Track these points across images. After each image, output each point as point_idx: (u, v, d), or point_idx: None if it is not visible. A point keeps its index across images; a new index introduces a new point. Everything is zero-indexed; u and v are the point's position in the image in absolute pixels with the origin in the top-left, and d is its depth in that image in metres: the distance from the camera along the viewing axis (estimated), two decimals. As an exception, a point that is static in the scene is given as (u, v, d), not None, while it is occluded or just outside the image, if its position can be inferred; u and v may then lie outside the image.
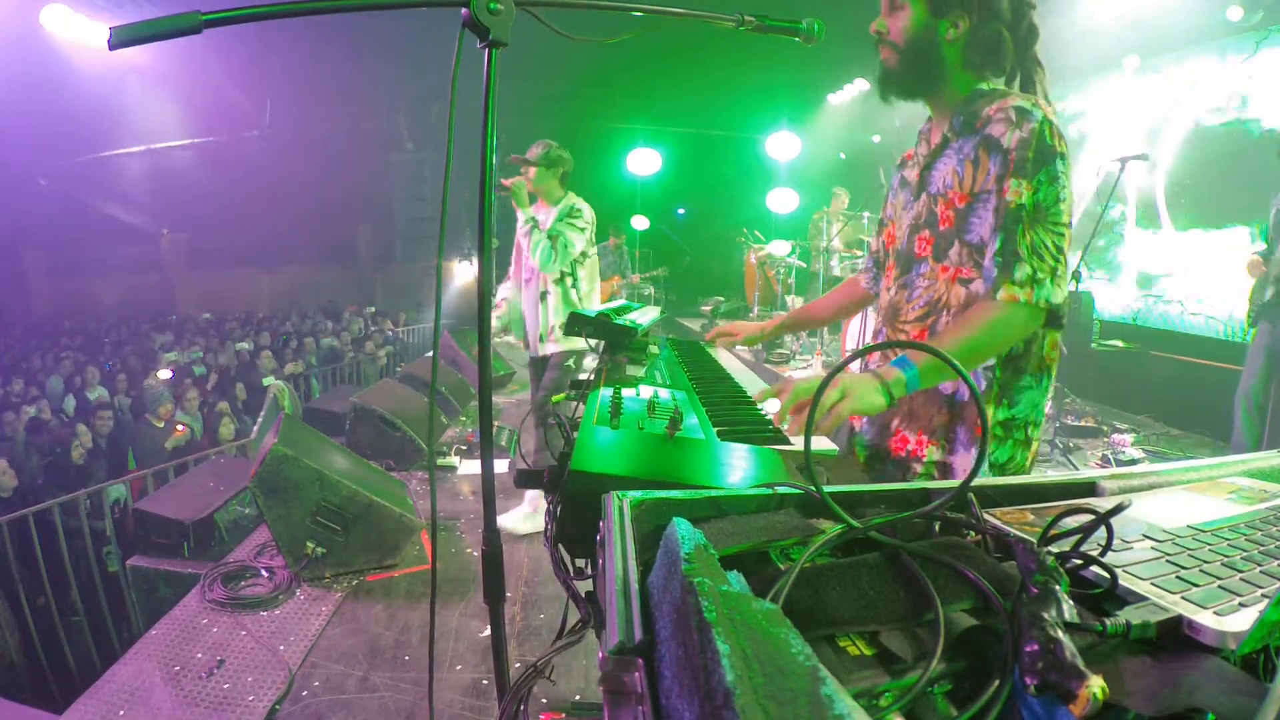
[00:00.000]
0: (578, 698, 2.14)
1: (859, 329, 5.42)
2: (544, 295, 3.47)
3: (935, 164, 1.35)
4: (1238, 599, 0.46)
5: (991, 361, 1.29)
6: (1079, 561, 0.51)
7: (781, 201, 10.35)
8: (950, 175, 1.30)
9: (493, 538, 1.04)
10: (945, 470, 1.33)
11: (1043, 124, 1.18)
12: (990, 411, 1.29)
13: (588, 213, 3.42)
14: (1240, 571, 0.51)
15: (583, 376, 1.63)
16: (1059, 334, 1.31)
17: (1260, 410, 3.72)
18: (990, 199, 1.23)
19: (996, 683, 0.40)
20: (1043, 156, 1.17)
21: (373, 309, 12.30)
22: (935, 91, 1.34)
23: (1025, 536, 0.50)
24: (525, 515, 3.45)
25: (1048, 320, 1.21)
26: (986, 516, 0.61)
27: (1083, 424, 4.84)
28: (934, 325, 1.34)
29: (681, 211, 12.57)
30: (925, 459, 1.34)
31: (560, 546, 0.89)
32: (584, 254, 3.44)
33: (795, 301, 7.42)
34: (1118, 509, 0.51)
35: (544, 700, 2.06)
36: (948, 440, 1.32)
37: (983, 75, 1.31)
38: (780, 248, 7.33)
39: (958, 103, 1.31)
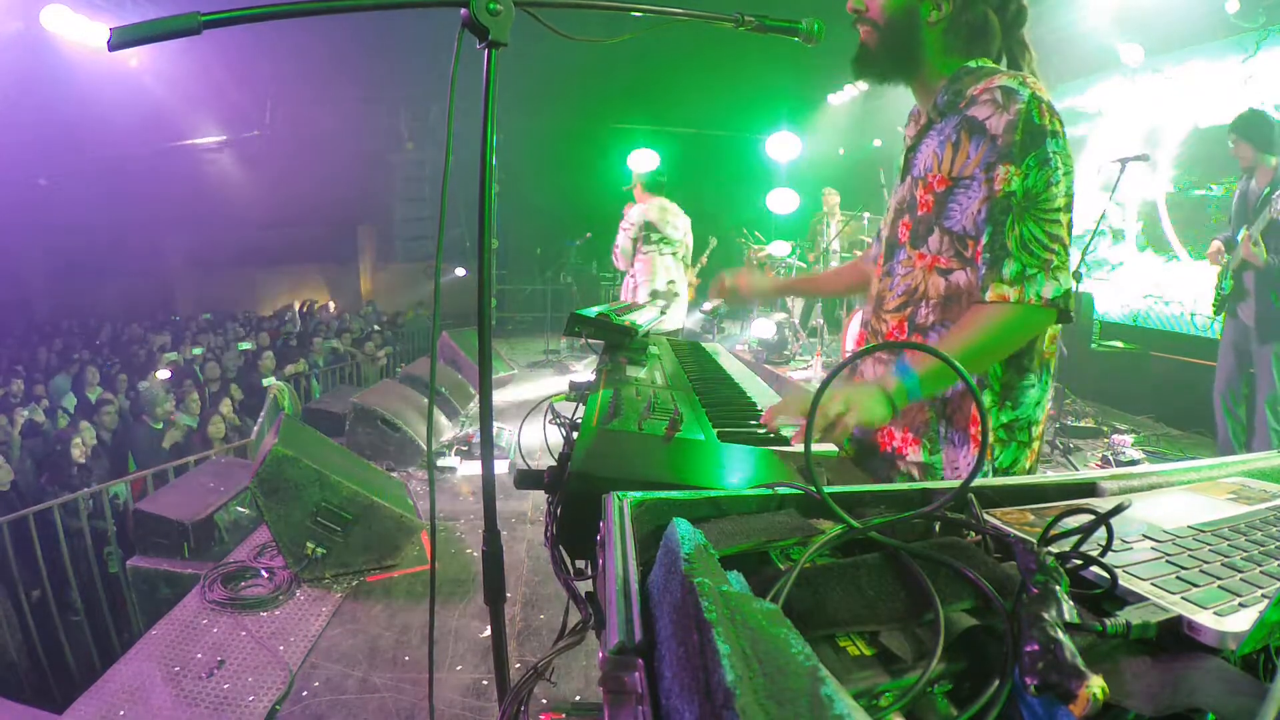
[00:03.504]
0: (578, 698, 2.14)
1: (859, 328, 5.42)
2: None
3: (920, 146, 1.30)
4: (1238, 599, 0.46)
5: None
6: (1079, 562, 0.51)
7: (781, 202, 10.33)
8: (931, 158, 1.24)
9: (493, 538, 1.04)
10: (926, 471, 1.27)
11: (1030, 102, 1.11)
12: (995, 415, 1.24)
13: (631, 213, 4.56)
14: (1240, 571, 0.51)
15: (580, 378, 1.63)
16: (1056, 328, 1.24)
17: (1239, 407, 3.73)
18: (972, 185, 1.16)
19: (996, 683, 0.40)
20: (1031, 138, 1.09)
21: (371, 309, 12.31)
22: (914, 74, 1.29)
23: (1025, 537, 0.50)
24: None
25: (1058, 316, 1.14)
26: (986, 517, 0.61)
27: (1083, 424, 4.84)
28: (912, 316, 1.29)
29: (681, 212, 12.57)
30: (908, 458, 1.29)
31: (560, 547, 0.89)
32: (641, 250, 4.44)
33: (795, 303, 7.42)
34: (1118, 509, 0.51)
35: (544, 700, 2.06)
36: (931, 440, 1.26)
37: (965, 58, 1.25)
38: (780, 248, 7.33)
39: (942, 82, 1.25)
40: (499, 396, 6.47)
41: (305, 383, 7.41)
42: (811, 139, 10.47)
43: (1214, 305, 3.70)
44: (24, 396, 6.71)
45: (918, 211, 1.27)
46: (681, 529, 0.49)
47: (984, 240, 1.15)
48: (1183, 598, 0.46)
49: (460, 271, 12.60)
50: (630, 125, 11.35)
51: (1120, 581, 0.48)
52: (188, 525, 3.18)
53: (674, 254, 4.48)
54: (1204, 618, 0.44)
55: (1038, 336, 1.23)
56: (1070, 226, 1.15)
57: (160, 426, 5.67)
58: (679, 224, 4.49)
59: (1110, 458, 4.18)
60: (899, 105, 1.43)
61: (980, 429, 1.22)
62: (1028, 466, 1.28)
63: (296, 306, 11.75)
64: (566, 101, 10.90)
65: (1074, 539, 0.52)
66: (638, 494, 0.59)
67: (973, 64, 1.24)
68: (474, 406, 5.61)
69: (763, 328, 6.98)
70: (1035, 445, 1.28)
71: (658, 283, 4.38)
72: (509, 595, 2.38)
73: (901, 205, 1.33)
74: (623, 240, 4.52)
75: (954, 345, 1.13)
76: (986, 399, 1.23)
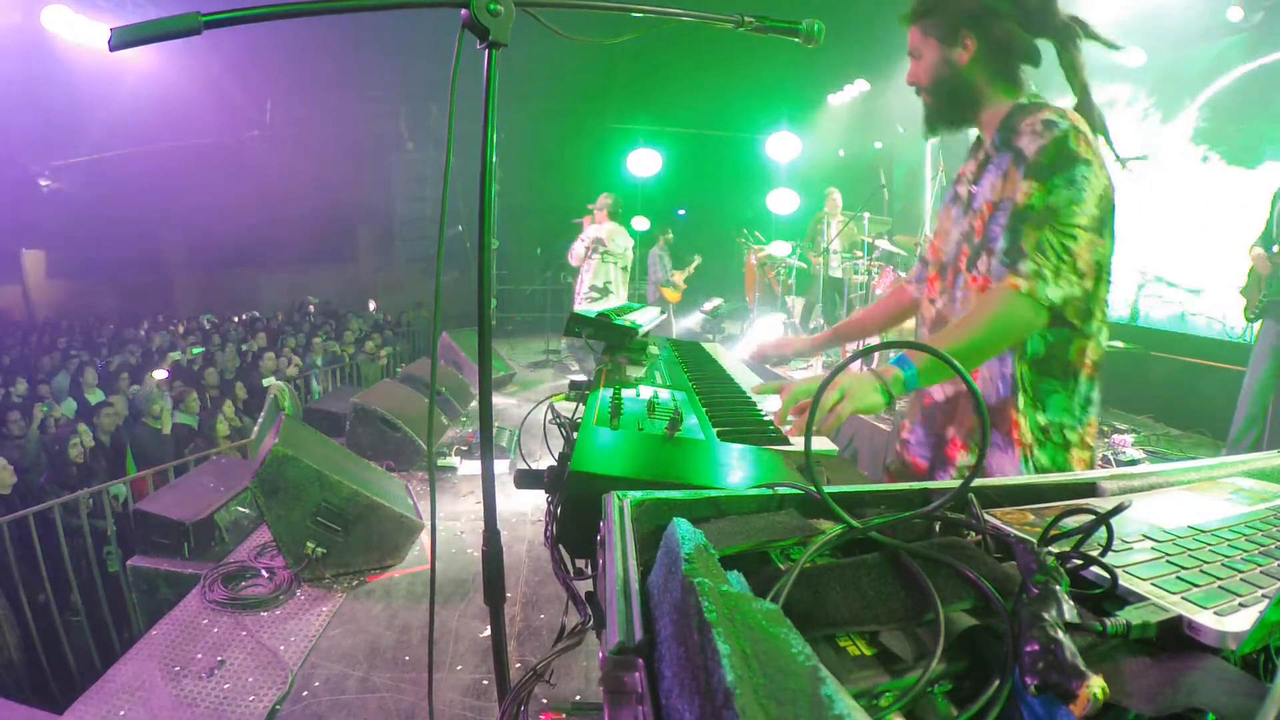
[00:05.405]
0: (578, 698, 2.13)
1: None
2: None
3: (980, 180, 1.39)
4: (1238, 599, 0.46)
5: (997, 362, 1.31)
6: (1079, 562, 0.51)
7: (781, 202, 10.34)
8: (989, 189, 1.34)
9: (493, 538, 1.04)
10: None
11: (1067, 132, 1.21)
12: (1030, 416, 1.31)
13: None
14: (1240, 571, 0.51)
15: (580, 378, 1.64)
16: (1086, 341, 1.28)
17: (1263, 412, 3.70)
18: (1008, 205, 1.26)
19: (996, 683, 0.40)
20: (1061, 162, 1.19)
21: (373, 307, 12.31)
22: (976, 113, 1.39)
23: (1026, 537, 0.50)
24: None
25: (1052, 320, 1.20)
26: (987, 517, 0.61)
27: (1083, 424, 4.82)
28: None
29: (682, 212, 12.57)
30: (957, 462, 1.38)
31: (560, 547, 0.89)
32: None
33: (795, 302, 7.41)
34: (1118, 509, 0.51)
35: (544, 700, 2.06)
36: (979, 444, 1.34)
37: (1013, 81, 1.34)
38: (780, 248, 7.34)
39: (1000, 119, 1.35)
40: (499, 397, 6.47)
41: (305, 383, 7.40)
42: (811, 139, 10.47)
43: (1255, 310, 3.60)
44: (30, 395, 6.70)
45: (974, 239, 1.36)
46: (681, 529, 0.49)
47: (1001, 245, 1.24)
48: (1183, 598, 0.46)
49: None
50: (630, 125, 11.36)
51: (1120, 581, 0.48)
52: (188, 525, 3.18)
53: (614, 263, 6.42)
54: (1204, 618, 0.44)
55: (1059, 343, 1.28)
56: (1092, 247, 1.20)
57: (159, 425, 5.68)
58: (621, 243, 6.44)
59: (1110, 458, 4.18)
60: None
61: (980, 432, 1.23)
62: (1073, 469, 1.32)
63: (296, 307, 11.74)
64: (567, 101, 10.90)
65: (1074, 539, 0.52)
66: (638, 494, 0.59)
67: (1024, 100, 1.34)
68: (474, 406, 5.61)
69: (764, 328, 7.02)
70: (1076, 453, 1.31)
71: (596, 280, 6.35)
72: (509, 595, 2.38)
73: (964, 235, 1.42)
74: (578, 247, 6.47)
75: (959, 336, 1.20)
76: (1021, 400, 1.30)
